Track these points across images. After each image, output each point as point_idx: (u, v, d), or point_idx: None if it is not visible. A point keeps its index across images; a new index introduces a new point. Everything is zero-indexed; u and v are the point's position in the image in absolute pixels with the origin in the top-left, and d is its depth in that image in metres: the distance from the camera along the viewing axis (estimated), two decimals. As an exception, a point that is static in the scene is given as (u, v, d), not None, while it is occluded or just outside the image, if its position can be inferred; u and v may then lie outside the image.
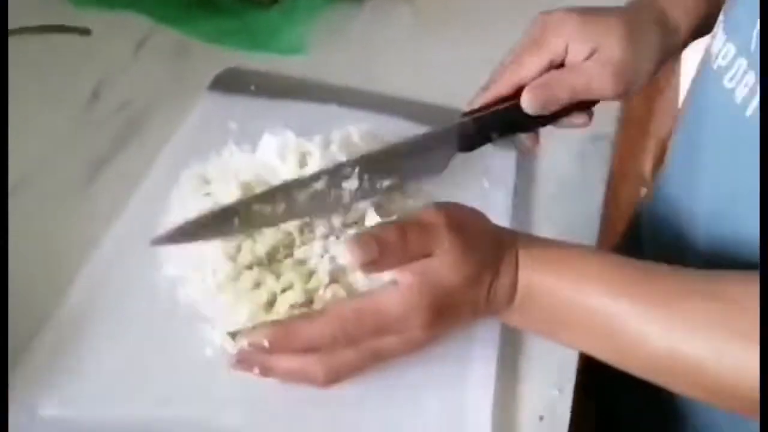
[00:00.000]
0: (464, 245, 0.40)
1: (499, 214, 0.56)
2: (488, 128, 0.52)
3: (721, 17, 0.50)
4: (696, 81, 0.54)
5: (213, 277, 0.46)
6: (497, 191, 0.59)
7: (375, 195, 0.50)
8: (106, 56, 0.69)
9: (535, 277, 0.42)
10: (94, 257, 0.50)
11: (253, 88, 0.65)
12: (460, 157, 0.54)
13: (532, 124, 0.53)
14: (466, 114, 0.52)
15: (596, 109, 0.55)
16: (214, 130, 0.60)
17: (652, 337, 0.40)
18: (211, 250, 0.47)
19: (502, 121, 0.52)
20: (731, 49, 0.46)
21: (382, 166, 0.50)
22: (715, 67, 0.48)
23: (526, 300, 0.43)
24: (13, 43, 0.68)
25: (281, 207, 0.47)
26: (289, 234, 0.48)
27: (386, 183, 0.50)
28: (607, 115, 0.68)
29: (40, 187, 0.56)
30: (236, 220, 0.46)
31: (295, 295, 0.44)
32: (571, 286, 0.42)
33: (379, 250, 0.38)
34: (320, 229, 0.49)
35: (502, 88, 0.52)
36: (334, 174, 0.48)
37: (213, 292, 0.46)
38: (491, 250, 0.42)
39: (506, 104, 0.51)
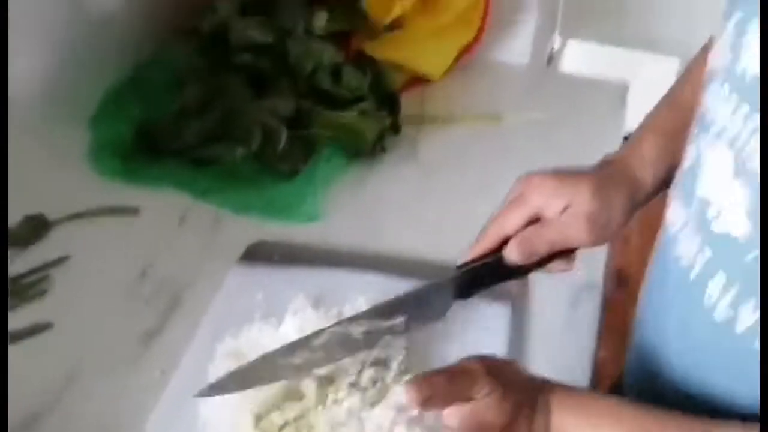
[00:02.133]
0: (502, 388, 0.48)
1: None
2: (479, 279, 0.60)
3: (672, 191, 0.58)
4: (659, 242, 0.62)
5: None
6: (493, 337, 0.67)
7: (382, 339, 0.59)
8: (152, 233, 0.80)
9: (565, 418, 0.50)
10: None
11: (276, 257, 0.75)
12: (460, 307, 0.61)
13: (518, 272, 0.61)
14: (460, 266, 0.60)
15: (589, 259, 0.64)
16: (244, 302, 0.69)
17: None
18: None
19: (491, 272, 0.60)
20: (682, 215, 0.54)
21: (387, 315, 0.58)
22: (669, 235, 0.56)
23: None
24: (72, 228, 0.81)
25: (303, 356, 0.56)
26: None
27: (389, 334, 0.59)
28: (598, 264, 0.77)
29: (96, 365, 0.66)
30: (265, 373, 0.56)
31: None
32: (592, 428, 0.49)
33: (432, 392, 0.46)
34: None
35: (489, 241, 0.60)
36: (347, 324, 0.57)
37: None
38: (526, 393, 0.49)
39: (493, 256, 0.59)
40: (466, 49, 1.07)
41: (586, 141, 0.93)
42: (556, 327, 0.71)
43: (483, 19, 1.04)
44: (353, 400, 0.57)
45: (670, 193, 0.59)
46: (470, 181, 0.88)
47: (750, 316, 0.48)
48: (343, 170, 0.88)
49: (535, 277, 0.64)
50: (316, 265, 0.74)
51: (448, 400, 0.47)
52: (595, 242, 0.60)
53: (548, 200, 0.60)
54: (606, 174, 0.62)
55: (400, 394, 0.53)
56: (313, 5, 0.93)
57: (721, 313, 0.49)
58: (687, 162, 0.55)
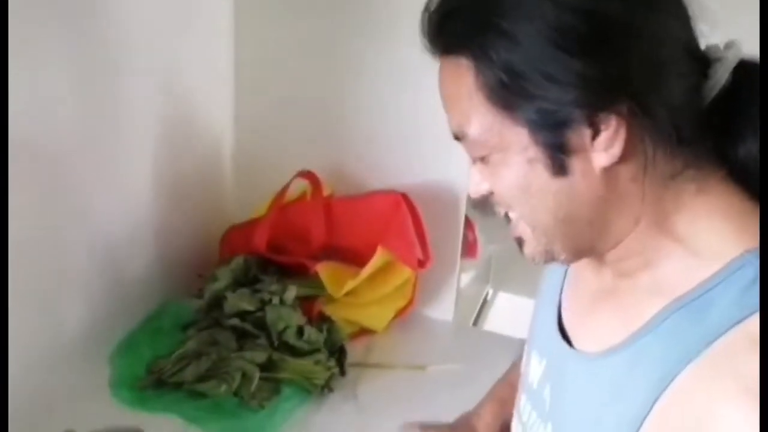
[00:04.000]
0: None
1: None
2: None
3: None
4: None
5: None
6: None
7: None
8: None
9: None
10: None
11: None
12: None
13: None
14: None
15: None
16: None
17: None
18: None
19: None
20: None
21: None
22: None
23: None
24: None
25: None
26: None
27: None
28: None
29: None
30: None
31: None
32: None
33: None
34: None
35: None
36: None
37: None
38: None
39: None
40: (402, 311, 1.41)
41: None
42: None
43: (413, 292, 1.40)
44: None
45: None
46: (397, 419, 1.17)
47: None
48: (299, 406, 1.18)
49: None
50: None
51: None
52: None
53: None
54: (457, 427, 0.95)
55: None
56: (286, 281, 1.28)
57: None
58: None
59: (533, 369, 0.78)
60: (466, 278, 1.75)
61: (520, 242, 0.68)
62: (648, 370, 0.60)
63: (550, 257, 0.67)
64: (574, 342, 0.72)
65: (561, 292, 0.78)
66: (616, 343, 0.64)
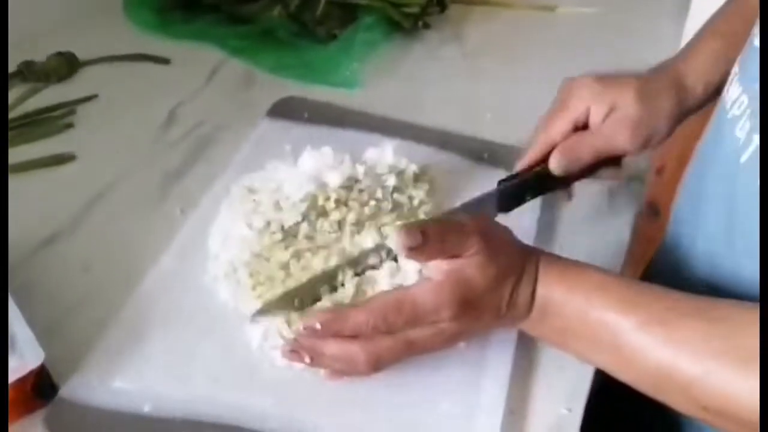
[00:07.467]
0: (491, 250, 0.45)
1: (522, 238, 0.60)
2: (523, 191, 0.58)
3: (735, 68, 0.53)
4: (710, 128, 0.58)
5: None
6: (522, 217, 0.63)
7: None
8: (182, 83, 0.77)
9: (551, 289, 0.47)
10: (160, 259, 0.58)
11: (306, 115, 0.72)
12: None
13: (565, 181, 0.58)
14: (503, 180, 0.57)
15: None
16: (270, 152, 0.66)
17: (649, 352, 0.43)
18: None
19: (535, 184, 0.58)
20: (744, 100, 0.49)
21: None
22: (729, 116, 0.51)
23: (542, 309, 0.47)
24: (102, 70, 0.79)
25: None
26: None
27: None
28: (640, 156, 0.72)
29: (121, 195, 0.65)
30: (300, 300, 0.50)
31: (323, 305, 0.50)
32: (582, 299, 0.46)
33: (423, 240, 0.44)
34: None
35: (535, 153, 0.58)
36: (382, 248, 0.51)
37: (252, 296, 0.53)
38: (515, 259, 0.47)
39: (537, 168, 0.57)
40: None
41: (642, 43, 0.87)
42: (590, 215, 0.67)
43: None
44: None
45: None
46: (514, 67, 0.84)
47: None
48: (383, 41, 0.84)
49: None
50: (346, 127, 0.71)
51: (434, 254, 0.45)
52: (640, 149, 0.58)
53: (592, 105, 0.57)
54: (652, 79, 0.59)
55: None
56: None
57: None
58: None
59: None
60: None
61: None
62: None
63: None
64: None
65: None
66: None
